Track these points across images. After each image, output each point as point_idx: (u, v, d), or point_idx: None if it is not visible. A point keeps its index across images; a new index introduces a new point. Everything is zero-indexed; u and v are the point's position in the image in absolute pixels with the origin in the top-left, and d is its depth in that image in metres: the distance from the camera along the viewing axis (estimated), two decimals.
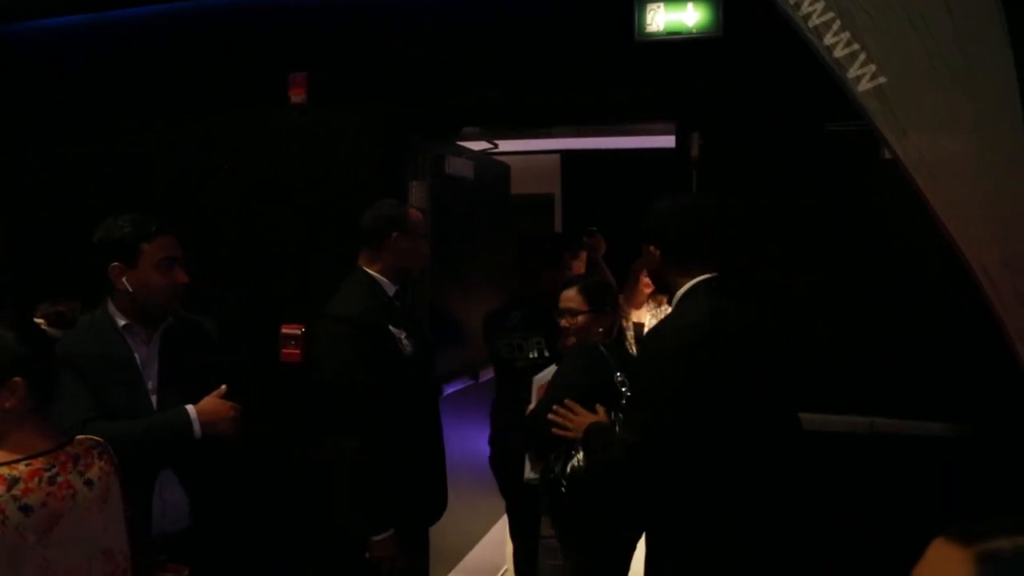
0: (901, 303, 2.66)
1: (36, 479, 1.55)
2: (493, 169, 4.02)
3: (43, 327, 1.64)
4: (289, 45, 3.42)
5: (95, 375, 2.13)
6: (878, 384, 2.72)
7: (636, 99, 2.95)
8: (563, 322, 2.67)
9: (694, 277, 1.98)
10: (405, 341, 2.54)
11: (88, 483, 1.64)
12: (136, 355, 2.24)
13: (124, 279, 2.19)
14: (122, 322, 2.23)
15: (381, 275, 2.59)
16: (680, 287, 2.00)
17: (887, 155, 2.55)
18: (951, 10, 1.91)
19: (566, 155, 6.41)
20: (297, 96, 3.33)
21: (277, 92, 3.39)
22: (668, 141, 3.18)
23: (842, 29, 2.02)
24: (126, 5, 3.56)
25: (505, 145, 4.37)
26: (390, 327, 2.52)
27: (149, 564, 1.83)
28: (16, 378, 1.58)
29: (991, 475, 2.52)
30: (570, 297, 2.67)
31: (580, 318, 2.65)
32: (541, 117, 3.20)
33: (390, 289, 2.60)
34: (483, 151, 3.94)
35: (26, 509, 1.51)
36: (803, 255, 2.79)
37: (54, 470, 1.59)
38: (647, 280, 4.28)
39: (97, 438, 1.76)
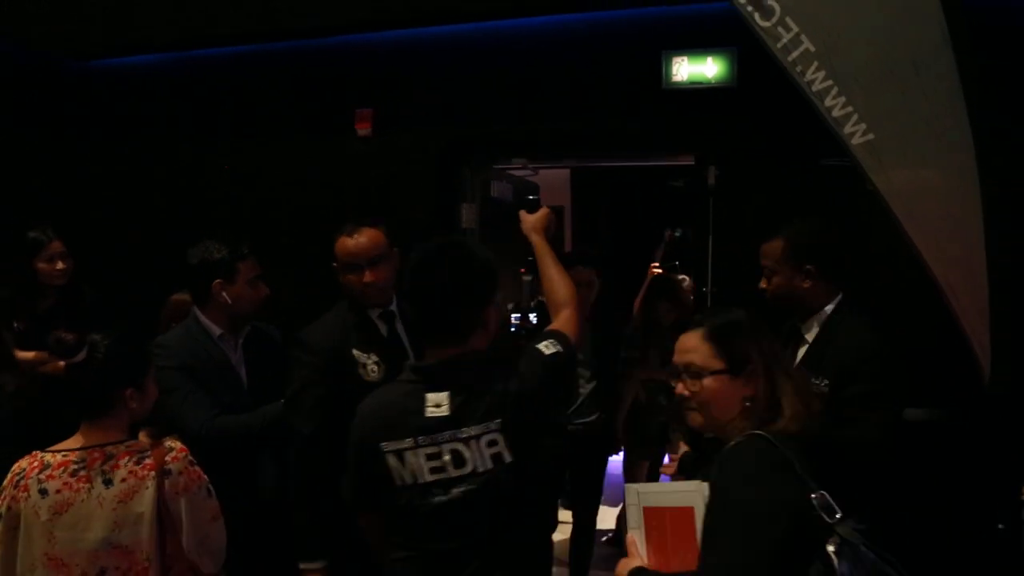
0: (882, 311, 3.19)
1: (62, 468, 1.83)
2: (525, 187, 4.54)
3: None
4: (355, 82, 3.93)
5: (204, 378, 2.51)
6: None
7: (662, 136, 3.49)
8: (680, 388, 1.72)
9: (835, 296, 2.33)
10: (372, 366, 2.43)
11: (107, 482, 1.84)
12: (230, 359, 2.65)
13: (224, 293, 2.60)
14: (218, 332, 2.63)
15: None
16: (824, 305, 2.33)
17: (871, 187, 3.09)
18: (919, 72, 2.45)
19: (576, 171, 6.95)
20: (363, 129, 3.84)
21: (344, 123, 3.90)
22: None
23: (839, 94, 2.54)
24: (209, 46, 4.05)
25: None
26: (354, 351, 2.41)
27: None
28: None
29: (960, 450, 3.08)
30: (692, 346, 1.70)
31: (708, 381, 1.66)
32: (581, 150, 3.71)
33: (373, 312, 2.50)
34: (521, 175, 4.46)
35: (43, 492, 1.81)
36: None
37: (81, 464, 1.84)
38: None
39: (165, 443, 1.95)
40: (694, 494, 1.64)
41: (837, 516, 1.48)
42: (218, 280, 2.59)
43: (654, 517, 1.69)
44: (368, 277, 2.40)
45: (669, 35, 3.37)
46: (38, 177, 4.25)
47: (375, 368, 2.43)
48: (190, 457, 1.96)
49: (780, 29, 2.62)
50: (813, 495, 1.49)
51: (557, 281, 2.11)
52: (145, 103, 4.34)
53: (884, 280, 3.15)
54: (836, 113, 2.56)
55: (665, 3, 3.30)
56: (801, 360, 2.36)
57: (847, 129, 2.54)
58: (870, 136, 2.51)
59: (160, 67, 4.28)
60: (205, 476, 1.98)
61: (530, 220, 2.29)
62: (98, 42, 4.16)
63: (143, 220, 4.34)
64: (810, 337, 2.39)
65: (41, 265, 3.30)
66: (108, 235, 4.40)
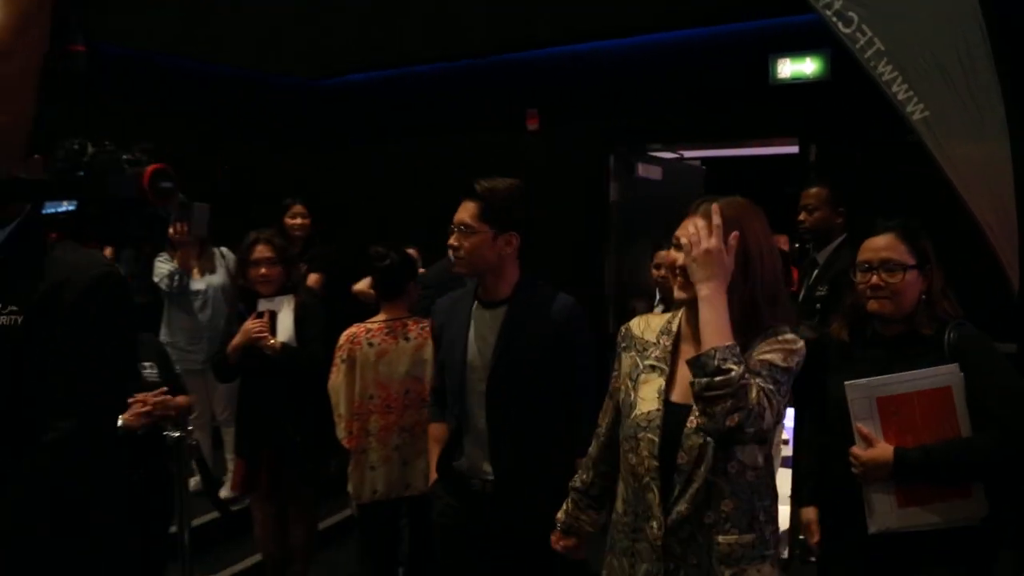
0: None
1: (381, 330, 2.94)
2: (685, 173, 5.44)
3: None
4: (524, 87, 5.00)
5: None
6: None
7: (771, 122, 4.33)
8: (875, 280, 2.09)
9: None
10: None
11: (406, 338, 2.94)
12: None
13: None
14: None
15: None
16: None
17: (929, 154, 3.79)
18: (963, 64, 3.19)
19: (708, 162, 7.77)
20: (532, 125, 4.90)
21: (516, 121, 4.99)
22: (786, 149, 4.48)
23: (903, 82, 3.32)
24: (411, 64, 5.26)
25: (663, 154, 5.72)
26: None
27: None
28: None
29: None
30: (888, 244, 2.09)
31: None
32: (705, 136, 4.60)
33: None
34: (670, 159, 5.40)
35: (371, 343, 2.90)
36: None
37: (392, 328, 2.95)
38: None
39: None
40: (950, 376, 1.92)
41: None
42: None
43: (891, 404, 1.95)
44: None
45: (774, 41, 4.20)
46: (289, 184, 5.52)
47: None
48: None
49: (858, 34, 3.42)
50: None
51: None
52: (365, 114, 5.61)
53: (946, 222, 3.81)
54: (901, 96, 3.34)
55: (770, 16, 4.15)
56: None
57: (909, 108, 3.31)
58: (927, 113, 3.28)
59: (376, 84, 5.54)
60: None
61: None
62: (326, 64, 5.46)
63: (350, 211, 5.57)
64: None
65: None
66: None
